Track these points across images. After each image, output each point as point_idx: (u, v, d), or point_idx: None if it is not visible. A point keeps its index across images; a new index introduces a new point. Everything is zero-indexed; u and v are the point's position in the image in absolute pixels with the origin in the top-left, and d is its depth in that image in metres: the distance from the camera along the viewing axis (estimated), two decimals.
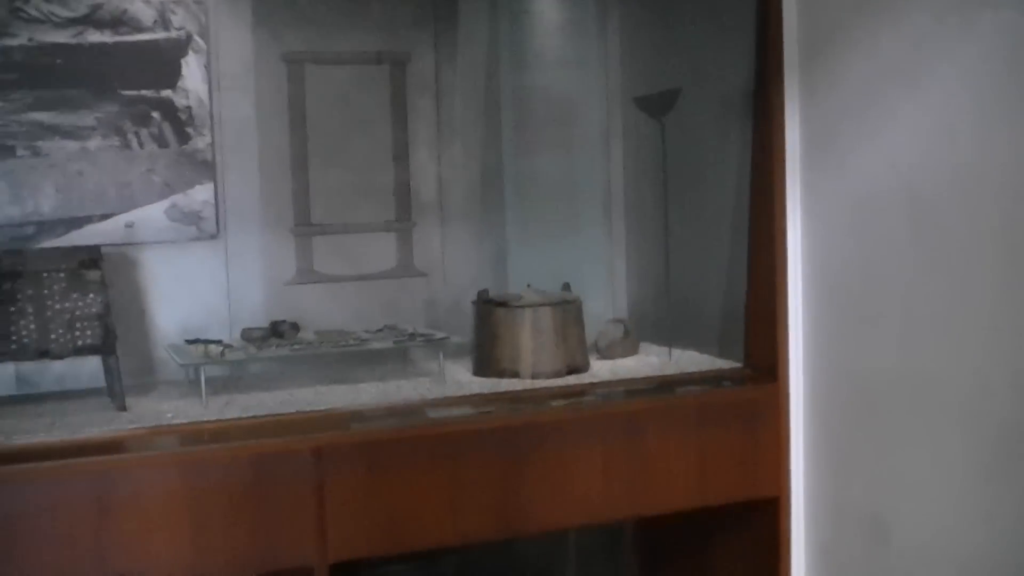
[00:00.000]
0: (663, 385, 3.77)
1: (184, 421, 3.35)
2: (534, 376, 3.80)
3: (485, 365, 3.88)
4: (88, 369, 3.80)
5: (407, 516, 3.32)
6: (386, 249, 4.35)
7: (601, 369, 3.98)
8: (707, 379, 3.84)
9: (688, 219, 4.23)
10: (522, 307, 3.83)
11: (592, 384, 3.78)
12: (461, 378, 3.86)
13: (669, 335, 4.22)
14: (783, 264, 3.75)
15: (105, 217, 3.94)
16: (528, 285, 4.00)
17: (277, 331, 3.93)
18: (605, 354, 4.16)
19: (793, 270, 3.76)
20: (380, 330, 4.00)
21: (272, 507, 3.19)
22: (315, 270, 4.23)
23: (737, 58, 3.89)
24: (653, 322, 4.41)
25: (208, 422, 3.35)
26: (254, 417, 3.39)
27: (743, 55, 3.83)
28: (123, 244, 3.96)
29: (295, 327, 3.96)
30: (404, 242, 4.36)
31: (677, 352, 4.17)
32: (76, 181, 3.91)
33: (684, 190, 4.18)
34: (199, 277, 4.09)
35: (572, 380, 3.81)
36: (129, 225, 3.96)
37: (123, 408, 3.46)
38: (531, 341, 3.81)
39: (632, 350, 4.24)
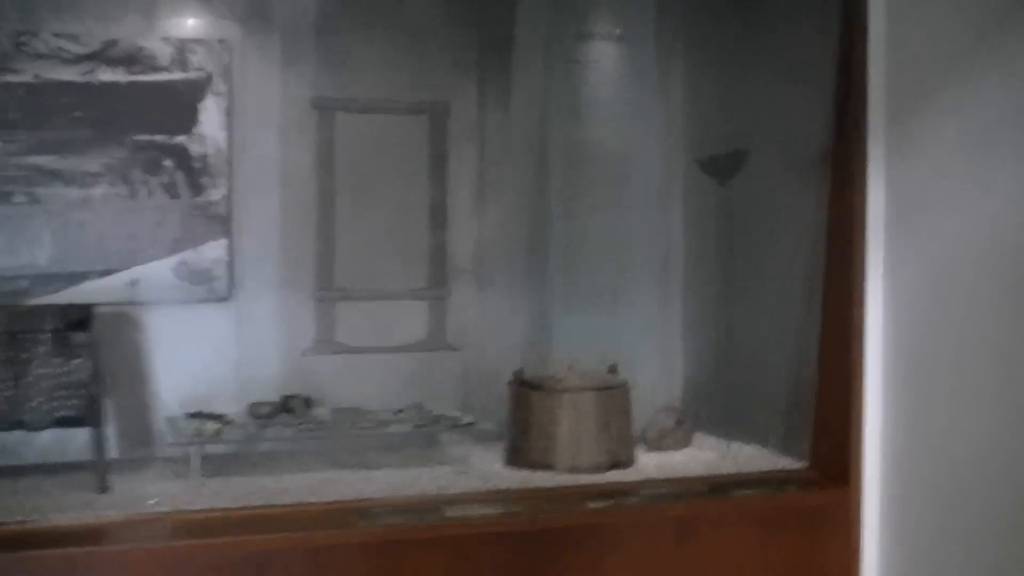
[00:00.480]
0: (718, 486, 3.31)
1: (168, 509, 2.94)
2: (572, 470, 3.35)
3: (517, 455, 3.45)
4: (78, 440, 3.41)
5: None
6: (416, 319, 3.95)
7: (648, 464, 3.53)
8: (768, 481, 3.37)
9: (753, 294, 3.79)
10: (560, 392, 3.40)
11: (637, 483, 3.33)
12: (489, 468, 3.43)
13: (727, 426, 3.77)
14: (859, 345, 3.29)
15: (107, 273, 3.58)
16: (570, 367, 3.57)
17: (287, 407, 3.53)
18: (654, 445, 3.71)
19: (872, 353, 3.30)
20: (402, 410, 3.58)
21: None
22: (336, 340, 3.84)
23: (812, 117, 3.48)
24: (710, 411, 3.96)
25: (194, 512, 2.94)
26: (248, 508, 2.98)
27: (819, 114, 3.41)
28: (125, 303, 3.58)
29: (308, 403, 3.56)
30: (437, 312, 3.96)
31: (735, 446, 3.71)
32: (76, 232, 3.56)
33: (749, 261, 3.75)
34: (207, 342, 3.71)
35: (614, 476, 3.36)
36: (133, 282, 3.60)
37: (103, 489, 3.07)
38: (569, 430, 3.37)
39: (685, 442, 3.78)
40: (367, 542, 2.87)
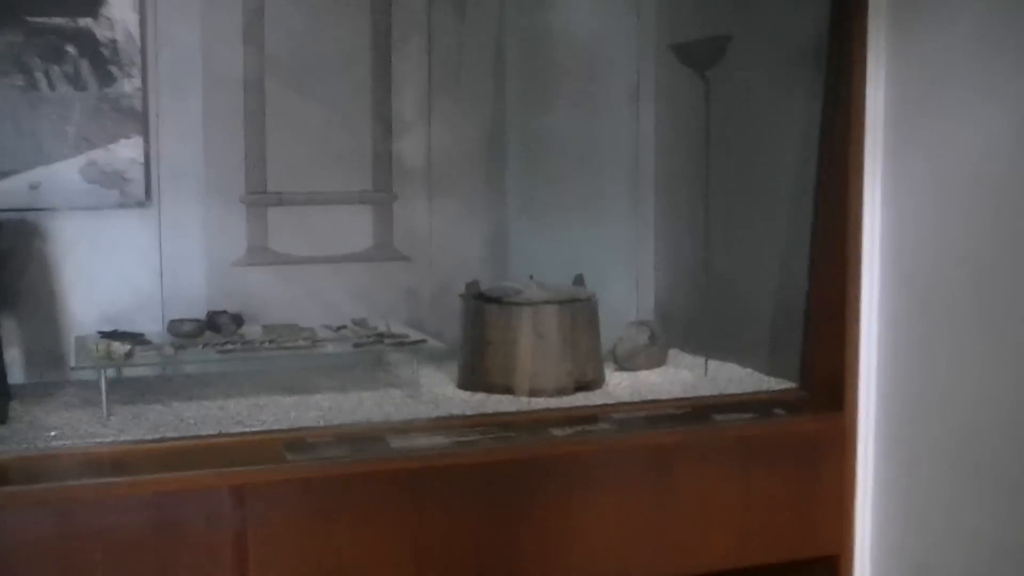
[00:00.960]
0: (698, 411, 2.96)
1: (69, 443, 2.55)
2: (533, 393, 2.98)
3: (472, 377, 3.07)
4: None
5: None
6: (360, 226, 3.54)
7: (619, 385, 3.17)
8: (754, 404, 3.02)
9: (735, 199, 3.42)
10: (521, 304, 3.02)
11: (608, 406, 2.96)
12: (441, 392, 3.06)
13: (705, 345, 3.41)
14: (856, 259, 2.93)
15: (3, 175, 3.13)
16: (531, 277, 3.19)
17: (213, 324, 3.13)
18: (625, 364, 3.34)
19: (869, 268, 2.94)
20: (343, 327, 3.19)
21: (178, 564, 2.40)
22: (270, 248, 3.43)
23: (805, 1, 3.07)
24: (686, 326, 3.60)
25: (100, 446, 2.55)
26: (162, 440, 2.60)
27: None
28: (26, 209, 3.15)
29: (237, 320, 3.16)
30: (383, 218, 3.55)
31: (715, 365, 3.35)
32: None
33: (731, 163, 3.36)
34: (125, 253, 3.30)
35: (581, 400, 2.99)
36: (34, 186, 3.17)
37: (1, 420, 2.67)
38: (531, 348, 3.00)
39: (659, 360, 3.42)
40: (300, 479, 2.50)
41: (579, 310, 3.08)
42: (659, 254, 3.84)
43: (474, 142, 3.64)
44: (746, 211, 3.42)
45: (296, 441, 2.62)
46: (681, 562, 2.82)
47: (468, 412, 2.85)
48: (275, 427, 2.69)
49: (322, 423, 2.73)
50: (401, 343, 3.00)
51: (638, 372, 3.34)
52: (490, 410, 2.88)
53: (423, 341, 3.02)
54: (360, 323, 3.28)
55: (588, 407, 2.94)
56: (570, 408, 2.93)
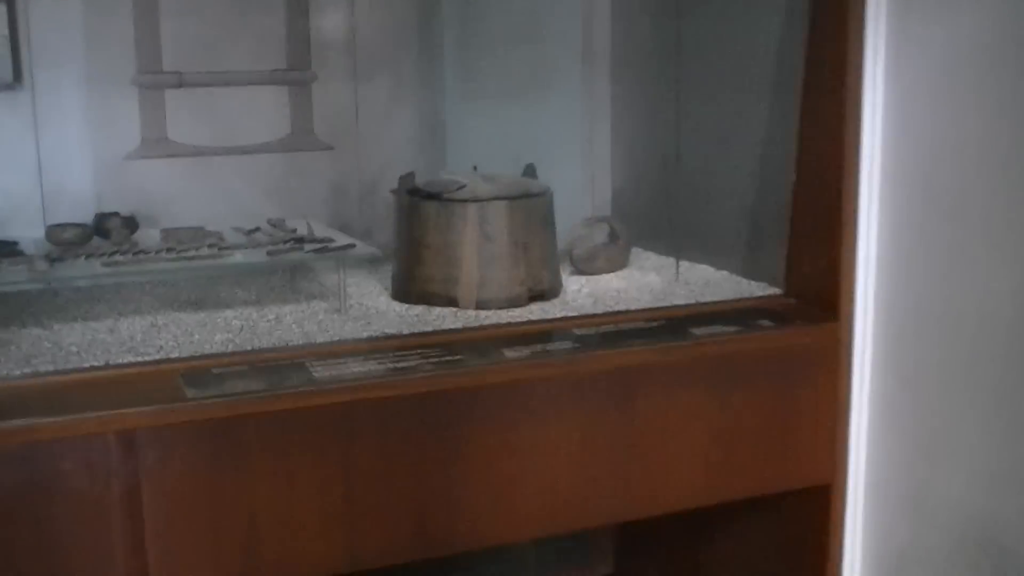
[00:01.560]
0: (672, 323, 2.54)
1: None
2: (480, 305, 2.56)
3: (409, 287, 2.64)
4: None
5: (273, 532, 2.13)
6: (275, 111, 3.07)
7: (579, 293, 2.75)
8: (735, 315, 2.62)
9: (705, 72, 2.98)
10: (464, 201, 2.57)
11: (567, 320, 2.54)
12: (373, 305, 2.62)
13: (673, 242, 3.00)
14: (854, 143, 2.52)
15: None
16: (475, 168, 2.74)
17: (102, 229, 2.66)
18: (582, 267, 2.93)
19: (869, 153, 2.53)
20: (256, 229, 2.73)
21: (57, 529, 1.98)
22: (169, 139, 2.94)
23: None
24: (649, 222, 3.19)
25: None
26: (34, 376, 2.14)
27: None
28: None
29: (130, 224, 2.69)
30: (300, 101, 3.08)
31: (685, 266, 2.95)
32: None
33: (702, 28, 2.91)
34: None
35: (537, 313, 2.57)
36: None
37: None
38: (477, 253, 2.56)
39: (620, 262, 3.01)
40: (203, 419, 2.06)
41: (532, 207, 2.64)
42: (616, 139, 3.40)
43: (405, 10, 3.15)
44: (718, 86, 2.98)
45: (199, 372, 2.18)
46: (647, 500, 2.44)
47: (405, 330, 2.42)
48: (174, 355, 2.24)
49: (231, 348, 2.29)
50: (324, 248, 2.55)
51: (598, 276, 2.93)
52: (430, 327, 2.45)
53: (350, 246, 2.57)
54: (277, 224, 2.82)
55: (545, 321, 2.52)
56: (524, 323, 2.51)
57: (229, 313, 2.54)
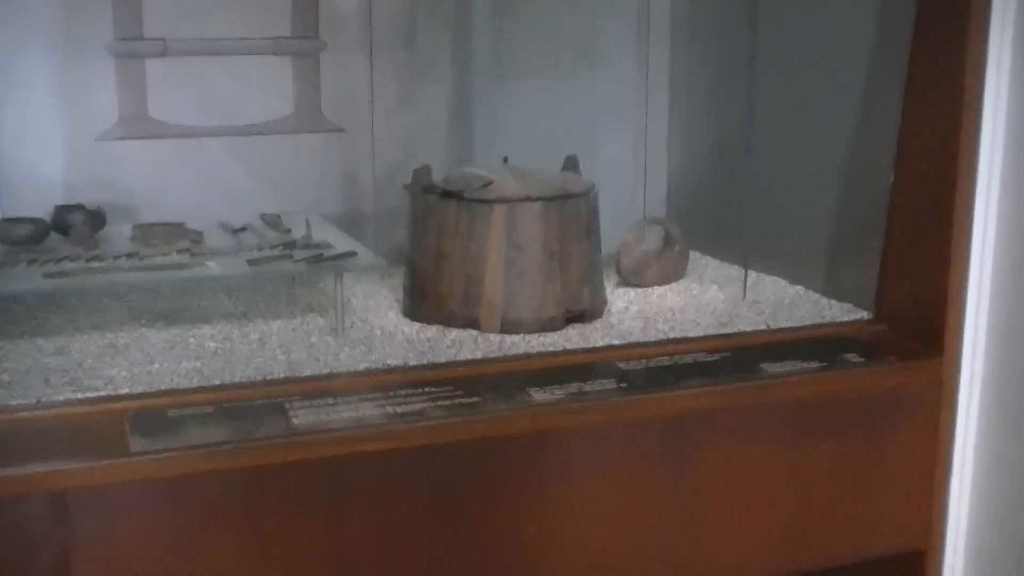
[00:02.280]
0: (740, 355, 2.09)
1: None
2: (506, 329, 2.13)
3: (423, 303, 2.20)
4: None
5: None
6: (276, 86, 2.62)
7: (626, 313, 2.31)
8: (815, 345, 2.15)
9: (783, 55, 2.50)
10: (490, 202, 2.12)
11: (611, 350, 2.09)
12: (379, 324, 2.19)
13: (738, 248, 2.54)
14: (970, 144, 2.05)
15: None
16: (505, 160, 2.29)
17: (61, 225, 2.24)
18: (631, 279, 2.48)
19: (987, 156, 2.06)
20: (242, 229, 2.31)
21: None
22: (150, 116, 2.51)
23: None
24: (710, 224, 2.73)
25: None
26: None
27: None
28: None
29: (96, 219, 2.28)
30: (306, 75, 2.63)
31: (753, 278, 2.51)
32: None
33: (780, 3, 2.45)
34: None
35: (575, 339, 2.13)
36: None
37: None
38: (503, 264, 2.12)
39: (676, 271, 2.56)
40: (151, 479, 1.64)
41: (572, 209, 2.19)
42: (675, 126, 2.93)
43: None
44: (796, 72, 2.51)
45: (152, 414, 1.76)
46: (704, 573, 2.00)
47: (412, 359, 1.98)
48: (124, 390, 1.82)
49: (196, 380, 1.87)
50: (319, 257, 2.11)
51: (650, 289, 2.47)
52: (444, 356, 2.01)
53: (349, 254, 2.13)
54: (270, 222, 2.39)
55: (584, 351, 2.07)
56: (558, 353, 2.06)
57: (205, 331, 2.11)
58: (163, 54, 2.50)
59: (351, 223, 2.62)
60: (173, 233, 2.24)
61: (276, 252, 2.13)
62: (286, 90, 2.62)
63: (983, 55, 2.01)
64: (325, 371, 1.92)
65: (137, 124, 2.51)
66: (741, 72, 2.45)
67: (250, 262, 2.06)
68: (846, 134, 2.37)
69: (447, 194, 2.15)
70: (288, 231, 2.31)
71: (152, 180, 2.52)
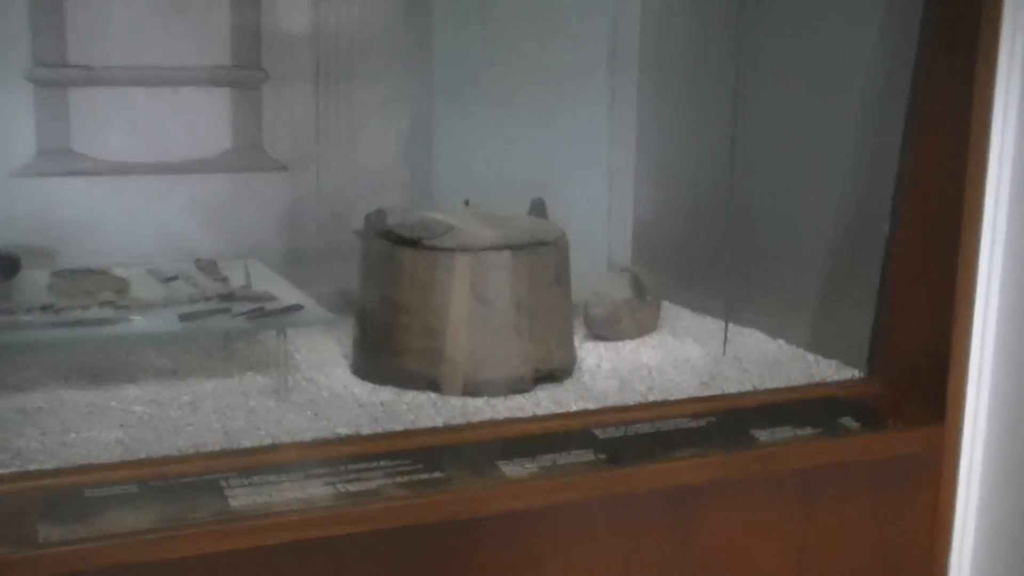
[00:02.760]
0: (726, 420, 1.90)
1: None
2: (470, 391, 1.92)
3: (377, 361, 1.99)
4: None
5: None
6: (213, 119, 2.40)
7: (598, 370, 2.11)
8: (807, 408, 1.96)
9: (766, 74, 2.32)
10: (451, 250, 1.92)
11: (586, 415, 1.89)
12: (327, 384, 1.97)
13: (711, 297, 2.37)
14: (977, 188, 1.88)
15: None
16: (467, 202, 2.09)
17: None
18: (602, 331, 2.29)
19: (995, 191, 1.89)
20: (173, 278, 2.08)
21: None
22: (74, 151, 2.28)
23: None
24: (681, 268, 2.54)
25: None
26: None
27: None
28: None
29: (7, 265, 2.03)
30: (247, 108, 2.42)
31: (732, 331, 2.31)
32: None
33: (765, 18, 2.29)
34: None
35: (546, 402, 1.92)
36: None
37: None
38: (467, 319, 1.92)
39: (649, 323, 2.37)
40: (62, 572, 1.41)
41: (542, 258, 1.99)
42: (644, 164, 2.75)
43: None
44: (772, 100, 2.33)
45: (67, 494, 1.52)
46: None
47: (366, 427, 1.77)
48: (33, 465, 1.59)
49: (119, 455, 1.63)
50: (259, 311, 1.88)
51: (622, 343, 2.28)
52: (401, 422, 1.80)
53: (295, 308, 1.91)
54: (206, 268, 2.17)
55: (558, 417, 1.87)
56: (530, 420, 1.85)
57: (131, 392, 1.88)
58: (88, 83, 2.28)
59: (295, 269, 2.40)
60: (96, 282, 2.00)
61: (212, 305, 1.90)
62: (224, 124, 2.40)
63: (990, 95, 1.84)
64: (267, 441, 1.70)
65: (58, 159, 2.29)
66: (716, 106, 2.27)
67: (183, 317, 1.82)
68: (835, 175, 2.20)
69: (403, 241, 1.94)
70: (225, 279, 2.09)
71: (75, 221, 2.28)
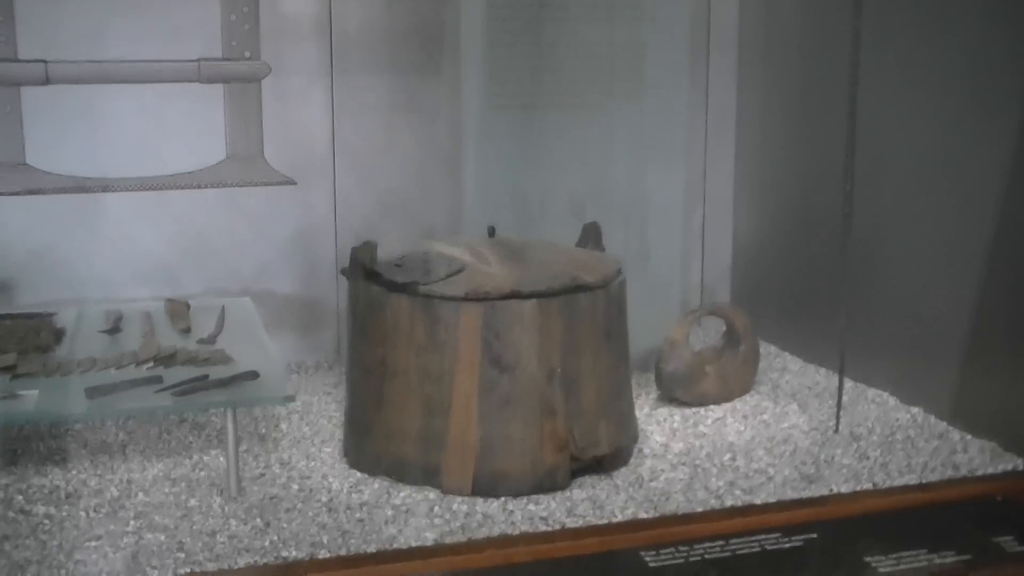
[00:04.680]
0: (830, 537, 1.37)
1: None
2: (480, 488, 1.44)
3: (362, 444, 1.52)
4: None
5: None
6: (206, 124, 1.94)
7: (664, 452, 1.59)
8: (946, 517, 1.42)
9: (894, 88, 1.78)
10: (456, 300, 1.43)
11: (634, 529, 1.37)
12: (304, 469, 1.53)
13: (823, 342, 1.84)
14: None
15: None
16: (492, 230, 1.61)
17: None
18: (677, 392, 1.78)
19: None
20: (117, 323, 1.64)
21: None
22: (29, 165, 1.86)
23: None
24: (790, 306, 2.01)
25: None
26: None
27: None
28: None
29: None
30: (244, 110, 1.96)
31: (849, 389, 1.77)
32: None
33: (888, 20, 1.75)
34: None
35: (584, 504, 1.42)
36: None
37: None
38: (479, 388, 1.43)
39: (742, 381, 1.85)
40: None
41: (586, 307, 1.48)
42: (744, 179, 2.22)
43: None
44: (921, 100, 1.78)
45: None
46: None
47: (326, 543, 1.29)
48: None
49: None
50: (198, 383, 1.41)
51: (703, 409, 1.76)
52: (382, 536, 1.32)
53: (248, 376, 1.44)
54: (174, 313, 1.73)
55: (598, 530, 1.36)
56: (556, 535, 1.35)
57: (33, 483, 1.44)
58: (45, 81, 1.86)
59: (301, 307, 1.96)
60: (19, 332, 1.57)
61: (142, 372, 1.44)
62: (214, 128, 1.95)
63: None
64: (182, 570, 1.23)
65: (10, 175, 1.87)
66: (835, 106, 1.73)
67: (90, 392, 1.37)
68: (989, 197, 1.64)
69: (396, 285, 1.46)
70: (186, 329, 1.64)
71: (29, 250, 1.86)
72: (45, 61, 1.86)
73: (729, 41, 2.23)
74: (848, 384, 1.80)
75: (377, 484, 1.46)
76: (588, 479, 1.48)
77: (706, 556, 1.31)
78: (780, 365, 2.00)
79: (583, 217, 1.74)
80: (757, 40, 2.19)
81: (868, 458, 1.57)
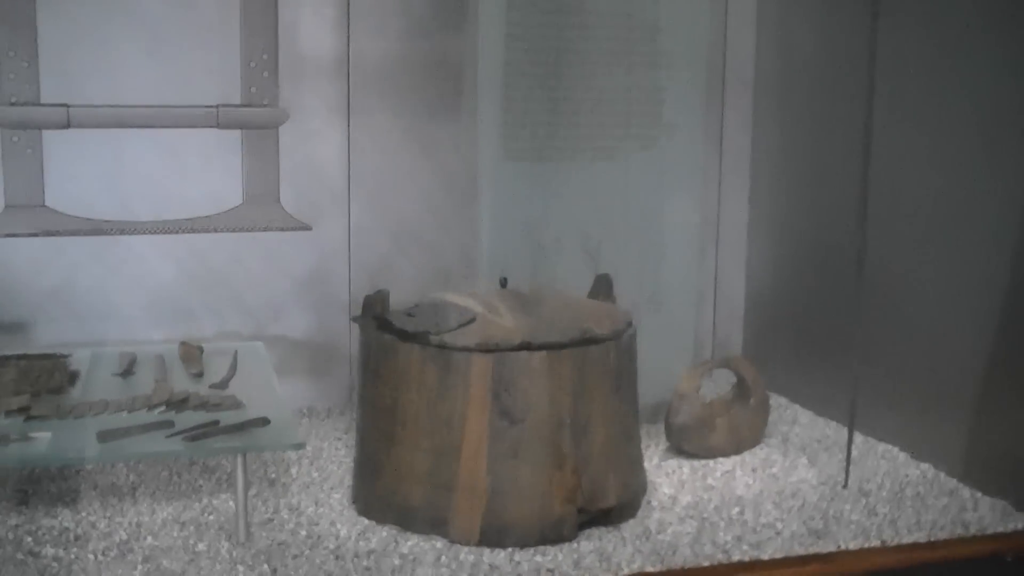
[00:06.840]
0: None
1: None
2: (487, 538, 1.45)
3: (371, 491, 1.52)
4: None
5: None
6: (223, 167, 1.96)
7: (672, 506, 1.59)
8: (954, 574, 1.41)
9: (914, 125, 1.80)
10: (467, 351, 1.43)
11: None
12: (312, 514, 1.53)
13: (835, 395, 1.83)
14: None
15: None
16: (503, 281, 1.62)
17: None
18: (686, 444, 1.78)
19: None
20: (131, 366, 1.65)
21: None
22: (47, 207, 1.88)
23: None
24: (802, 357, 2.01)
25: None
26: None
27: None
28: None
29: None
30: (262, 155, 1.98)
31: (859, 444, 1.77)
32: None
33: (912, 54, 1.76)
34: None
35: (591, 557, 1.42)
36: None
37: None
38: (488, 438, 1.43)
39: (752, 434, 1.85)
40: None
41: (597, 358, 1.49)
42: (757, 223, 2.22)
43: (430, 23, 2.04)
44: (940, 140, 1.79)
45: None
46: None
47: None
48: None
49: None
50: (209, 428, 1.42)
51: (712, 462, 1.76)
52: None
53: (259, 423, 1.44)
54: (187, 357, 1.74)
55: None
56: None
57: (43, 524, 1.45)
58: (66, 125, 1.88)
59: (314, 352, 1.97)
60: (33, 373, 1.58)
61: (155, 416, 1.45)
62: (231, 173, 1.97)
63: None
64: None
65: (29, 216, 1.89)
66: (850, 149, 1.74)
67: (102, 435, 1.38)
68: (1001, 241, 1.65)
69: (407, 335, 1.47)
70: (199, 373, 1.65)
71: (41, 292, 1.88)
72: (67, 105, 1.89)
73: (744, 83, 2.24)
74: (858, 438, 1.79)
75: (385, 532, 1.47)
76: (595, 531, 1.48)
77: None
78: (790, 417, 1.99)
79: (597, 260, 1.76)
80: (772, 82, 2.20)
81: (877, 514, 1.56)
